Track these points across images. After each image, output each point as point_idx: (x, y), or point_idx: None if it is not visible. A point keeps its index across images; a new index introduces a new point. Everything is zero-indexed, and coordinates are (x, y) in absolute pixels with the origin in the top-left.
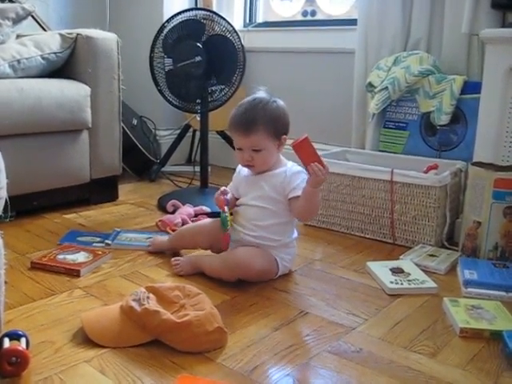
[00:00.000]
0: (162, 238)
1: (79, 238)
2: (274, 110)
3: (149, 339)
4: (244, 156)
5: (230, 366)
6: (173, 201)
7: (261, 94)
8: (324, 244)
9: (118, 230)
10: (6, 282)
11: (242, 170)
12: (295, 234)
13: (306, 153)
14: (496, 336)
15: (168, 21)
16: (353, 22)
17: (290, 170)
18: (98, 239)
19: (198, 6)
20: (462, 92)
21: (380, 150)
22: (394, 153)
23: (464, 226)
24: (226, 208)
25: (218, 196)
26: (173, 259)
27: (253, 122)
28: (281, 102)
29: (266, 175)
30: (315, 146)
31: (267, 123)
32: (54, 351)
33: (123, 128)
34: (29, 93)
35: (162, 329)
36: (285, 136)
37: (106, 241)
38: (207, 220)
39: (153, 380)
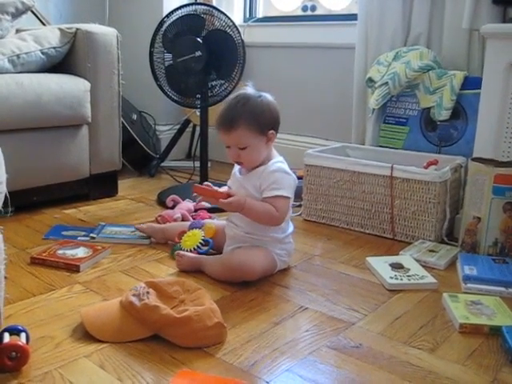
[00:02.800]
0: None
1: (64, 233)
2: (255, 106)
3: (148, 334)
4: (231, 153)
5: (229, 361)
6: (172, 196)
7: (246, 90)
8: (324, 239)
9: (103, 223)
10: (5, 277)
11: (235, 169)
12: (290, 230)
13: (207, 195)
14: (495, 331)
15: (168, 16)
16: (353, 17)
17: (267, 168)
18: (83, 233)
19: (198, 1)
20: (463, 87)
21: (380, 146)
22: (394, 148)
23: (464, 222)
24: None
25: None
26: (177, 252)
27: (233, 119)
28: (267, 97)
29: (248, 175)
30: (317, 140)
31: (248, 119)
32: (54, 346)
33: (123, 123)
34: (28, 88)
35: (161, 324)
36: (272, 131)
37: (91, 234)
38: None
39: (152, 375)
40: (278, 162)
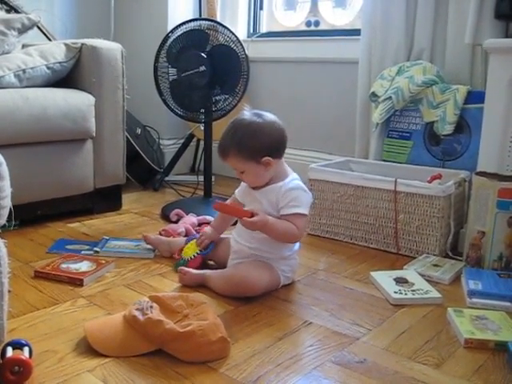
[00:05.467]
0: (166, 238)
1: (68, 246)
2: (244, 134)
3: (152, 349)
4: (236, 173)
5: (233, 376)
6: (176, 210)
7: (242, 115)
8: (327, 254)
9: (107, 237)
10: (9, 291)
11: None
12: (296, 247)
13: (230, 213)
14: (501, 347)
15: (172, 31)
16: (356, 32)
17: (285, 185)
18: (87, 247)
19: (202, 17)
20: (466, 102)
21: (384, 160)
22: (398, 162)
23: (468, 236)
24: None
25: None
26: (180, 268)
27: (225, 148)
28: (262, 121)
29: (264, 190)
30: (320, 155)
31: (236, 149)
32: (57, 360)
33: (127, 137)
34: (34, 102)
35: (165, 338)
36: (267, 158)
37: (95, 248)
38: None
39: None
40: (295, 179)
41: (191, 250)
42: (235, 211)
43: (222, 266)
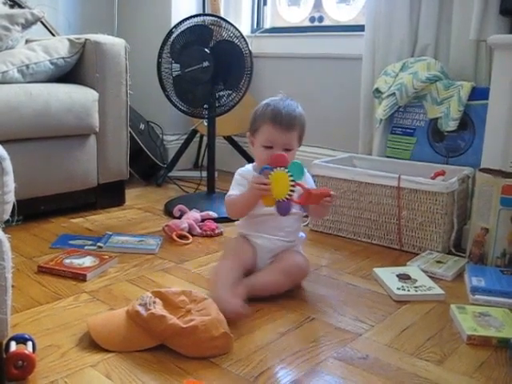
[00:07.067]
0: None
1: (71, 242)
2: (303, 116)
3: (155, 344)
4: (271, 153)
5: (235, 372)
6: (179, 206)
7: (290, 99)
8: (331, 250)
9: (110, 233)
10: (12, 286)
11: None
12: None
13: (314, 200)
14: (504, 344)
15: (176, 26)
16: (360, 28)
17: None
18: (90, 242)
19: (206, 12)
20: (470, 98)
21: (387, 156)
22: (402, 159)
23: (471, 233)
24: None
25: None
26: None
27: (295, 119)
28: None
29: None
30: (324, 151)
31: (300, 125)
32: (60, 355)
33: (130, 133)
34: (37, 97)
35: (167, 334)
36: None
37: (98, 243)
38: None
39: None
40: None
41: (285, 188)
42: (324, 192)
43: (253, 271)
